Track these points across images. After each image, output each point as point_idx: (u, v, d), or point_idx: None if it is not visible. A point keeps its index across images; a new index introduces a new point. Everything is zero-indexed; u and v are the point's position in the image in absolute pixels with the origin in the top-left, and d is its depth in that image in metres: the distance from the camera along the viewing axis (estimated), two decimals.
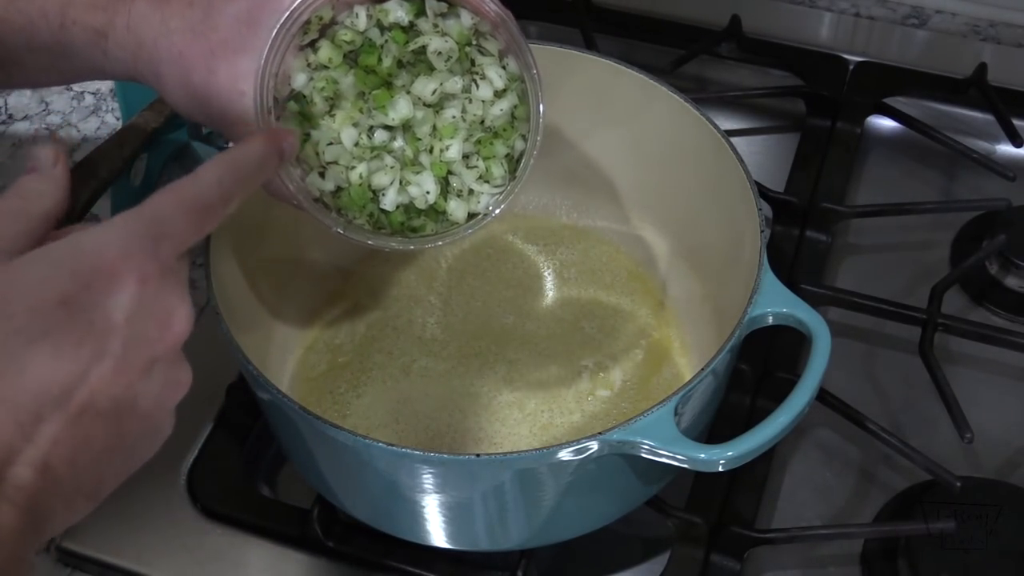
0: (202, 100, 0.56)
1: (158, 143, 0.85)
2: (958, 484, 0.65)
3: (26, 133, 0.91)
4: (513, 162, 0.61)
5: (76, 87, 0.94)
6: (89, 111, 0.93)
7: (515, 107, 0.60)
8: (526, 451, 0.55)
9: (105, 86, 0.94)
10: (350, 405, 0.70)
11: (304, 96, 0.58)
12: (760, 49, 0.93)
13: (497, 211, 0.61)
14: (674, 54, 0.90)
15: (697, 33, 0.94)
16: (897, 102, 0.89)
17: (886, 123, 0.90)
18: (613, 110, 0.73)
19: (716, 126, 0.66)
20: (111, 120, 0.92)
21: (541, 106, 0.59)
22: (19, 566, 0.39)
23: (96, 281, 0.41)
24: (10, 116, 0.93)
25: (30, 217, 0.48)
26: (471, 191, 0.60)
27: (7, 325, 0.39)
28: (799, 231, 0.81)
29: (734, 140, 0.66)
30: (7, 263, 0.42)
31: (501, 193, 0.61)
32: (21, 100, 0.94)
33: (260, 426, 0.71)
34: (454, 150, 0.59)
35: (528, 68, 0.58)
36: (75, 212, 0.79)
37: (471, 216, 0.61)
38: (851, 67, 0.92)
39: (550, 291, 0.76)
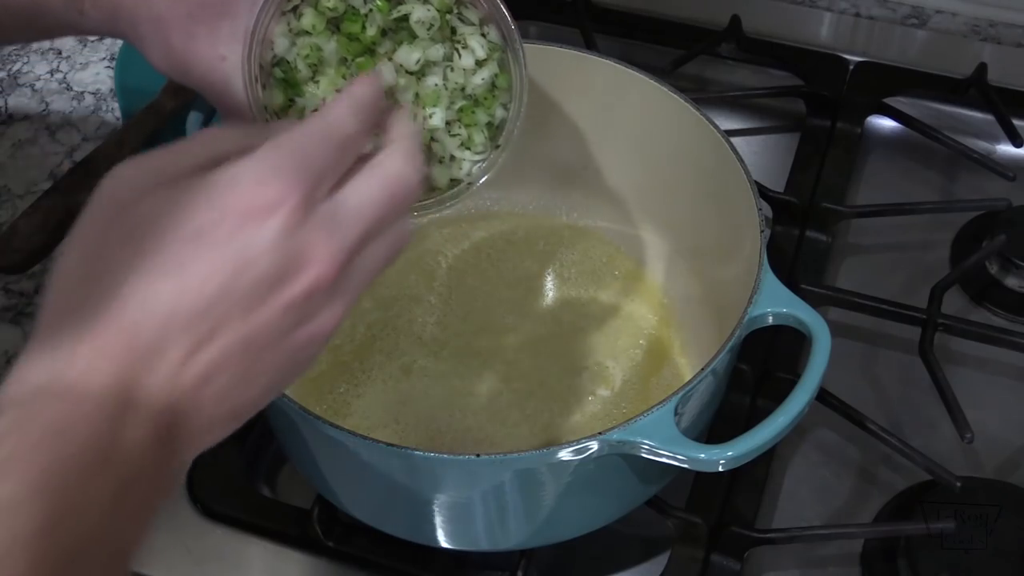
0: (182, 64, 0.55)
1: (158, 143, 0.85)
2: (958, 484, 0.65)
3: (26, 133, 0.91)
4: (494, 129, 0.60)
5: (76, 87, 0.95)
6: (89, 111, 0.93)
7: (496, 76, 0.59)
8: (526, 451, 0.55)
9: (105, 86, 0.94)
10: (350, 405, 0.70)
11: (288, 62, 0.57)
12: (760, 49, 0.93)
13: (482, 180, 0.60)
14: (674, 54, 0.90)
15: (697, 33, 0.93)
16: (897, 102, 0.89)
17: (886, 123, 0.89)
18: (613, 110, 0.73)
19: (716, 126, 0.66)
20: (111, 120, 0.92)
21: (524, 74, 0.58)
22: (153, 485, 0.40)
23: (234, 211, 0.41)
24: (10, 116, 0.93)
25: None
26: (452, 157, 0.60)
27: (154, 245, 0.41)
28: (799, 231, 0.81)
29: (734, 140, 0.66)
30: (189, 179, 0.42)
31: (483, 160, 0.60)
32: (21, 100, 0.94)
33: (260, 426, 0.71)
34: (437, 118, 0.58)
35: (510, 36, 0.58)
36: (76, 212, 0.79)
37: (453, 183, 0.61)
38: (851, 67, 0.92)
39: (550, 291, 0.76)
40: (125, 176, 0.44)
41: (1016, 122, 0.85)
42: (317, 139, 0.44)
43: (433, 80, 0.58)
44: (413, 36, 0.58)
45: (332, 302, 0.44)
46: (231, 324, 0.41)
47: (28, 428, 0.38)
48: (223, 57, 0.55)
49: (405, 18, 0.57)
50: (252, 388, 0.43)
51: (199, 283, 0.41)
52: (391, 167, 0.46)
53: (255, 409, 0.44)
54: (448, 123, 0.59)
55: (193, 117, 0.64)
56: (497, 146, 0.60)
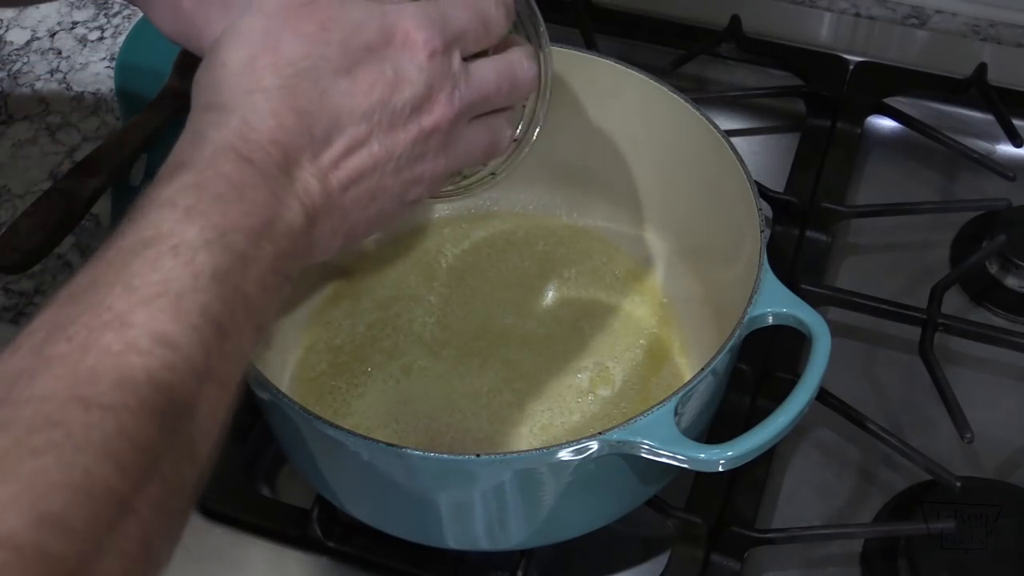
0: (192, 28, 0.55)
1: (158, 143, 0.85)
2: (958, 484, 0.65)
3: (26, 133, 0.91)
4: (518, 121, 0.61)
5: (76, 87, 0.95)
6: (89, 111, 0.93)
7: None
8: (526, 451, 0.55)
9: (105, 86, 0.94)
10: (350, 405, 0.70)
11: None
12: (760, 49, 0.93)
13: (504, 174, 0.62)
14: (674, 54, 0.90)
15: (697, 33, 0.93)
16: (897, 102, 0.89)
17: (886, 123, 0.89)
18: (613, 110, 0.73)
19: (716, 126, 0.66)
20: (111, 120, 0.92)
21: (551, 71, 0.59)
22: (291, 269, 0.44)
23: (396, 39, 0.48)
24: (10, 116, 0.93)
25: None
26: None
27: (322, 51, 0.46)
28: (799, 231, 0.81)
29: (734, 140, 0.66)
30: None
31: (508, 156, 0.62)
32: (21, 100, 0.94)
33: (260, 426, 0.71)
34: None
35: (538, 33, 0.58)
36: (76, 212, 0.79)
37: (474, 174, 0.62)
38: (851, 67, 0.92)
39: (550, 291, 0.76)
40: None
41: (1016, 122, 0.85)
42: (469, 10, 0.51)
43: None
44: None
45: (441, 152, 0.50)
46: (380, 135, 0.47)
47: (213, 181, 0.42)
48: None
49: None
50: (370, 209, 0.49)
51: (367, 88, 0.47)
52: (515, 58, 0.54)
53: (359, 236, 0.50)
54: None
55: None
56: (516, 140, 0.61)
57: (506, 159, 0.62)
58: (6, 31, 1.00)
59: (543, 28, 0.59)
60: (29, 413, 0.33)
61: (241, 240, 0.41)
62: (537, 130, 0.62)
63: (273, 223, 0.43)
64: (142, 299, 0.38)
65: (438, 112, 0.49)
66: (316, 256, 0.48)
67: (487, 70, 0.52)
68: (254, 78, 0.46)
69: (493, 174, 0.62)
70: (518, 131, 0.61)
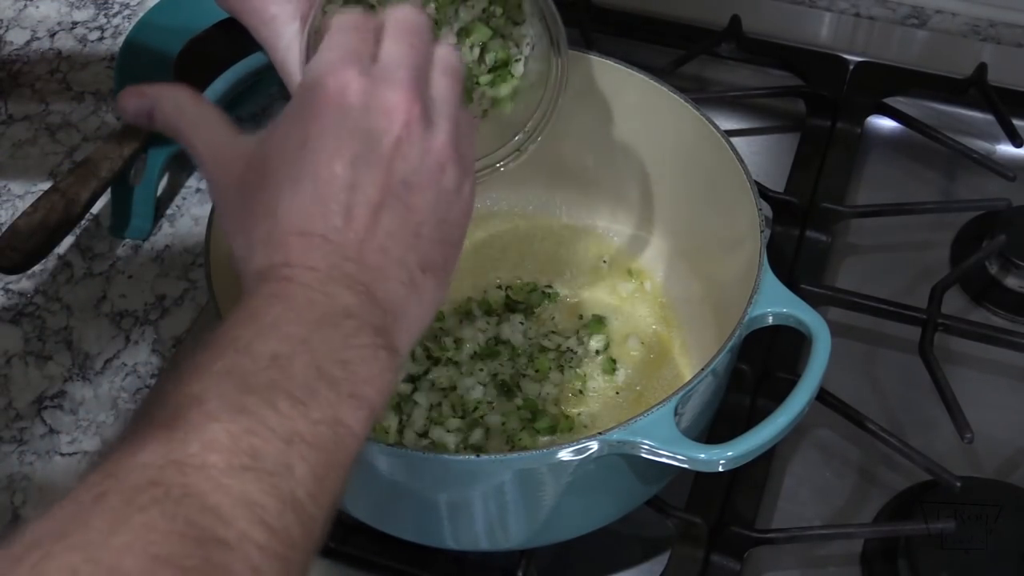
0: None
1: (158, 143, 0.85)
2: (958, 484, 0.65)
3: (26, 133, 0.91)
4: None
5: (76, 87, 0.95)
6: (89, 111, 0.93)
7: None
8: (526, 451, 0.55)
9: (105, 86, 0.94)
10: None
11: None
12: (760, 49, 0.93)
13: (532, 148, 0.63)
14: (674, 54, 0.90)
15: (697, 33, 0.94)
16: (897, 102, 0.89)
17: (886, 123, 0.89)
18: (613, 110, 0.73)
19: (716, 126, 0.66)
20: (111, 120, 0.92)
21: (565, 71, 0.61)
22: (374, 340, 0.45)
23: (322, 110, 0.48)
24: (10, 116, 0.93)
25: None
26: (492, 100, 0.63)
27: (280, 172, 0.48)
28: (799, 231, 0.81)
29: (734, 140, 0.66)
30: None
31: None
32: (21, 100, 0.94)
33: None
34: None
35: (558, 35, 0.60)
36: (75, 212, 0.79)
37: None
38: (851, 67, 0.92)
39: (550, 291, 0.76)
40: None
41: (1016, 122, 0.85)
42: (340, 34, 0.51)
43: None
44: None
45: (434, 127, 0.49)
46: (366, 176, 0.47)
47: (283, 299, 0.45)
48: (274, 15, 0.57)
49: None
50: (421, 231, 0.48)
51: (328, 169, 0.47)
52: (397, 14, 0.52)
53: (441, 264, 0.50)
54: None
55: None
56: (520, 136, 0.62)
57: (513, 153, 0.62)
58: (6, 31, 1.00)
59: (562, 31, 0.60)
60: (135, 478, 0.37)
61: (317, 337, 0.44)
62: (548, 125, 0.62)
63: (339, 319, 0.45)
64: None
65: (398, 112, 0.48)
66: (421, 311, 0.49)
67: (390, 46, 0.51)
68: (254, 209, 0.49)
69: (519, 151, 0.62)
70: (528, 124, 0.62)
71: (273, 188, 0.48)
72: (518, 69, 0.62)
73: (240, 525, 0.37)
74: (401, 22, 0.52)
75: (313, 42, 0.57)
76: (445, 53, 0.53)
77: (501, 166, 0.63)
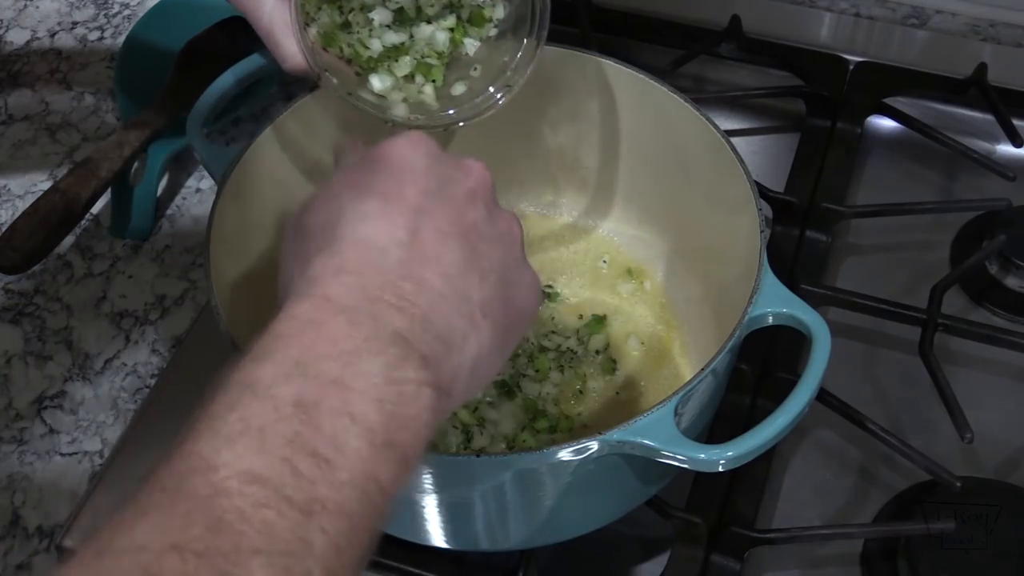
0: None
1: (158, 143, 0.85)
2: (958, 484, 0.65)
3: (26, 133, 0.91)
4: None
5: (76, 87, 0.95)
6: (89, 111, 0.93)
7: None
8: (526, 451, 0.55)
9: (105, 86, 0.94)
10: None
11: None
12: (760, 49, 0.93)
13: (521, 83, 0.63)
14: (674, 54, 0.90)
15: (697, 33, 0.94)
16: (897, 102, 0.89)
17: (886, 123, 0.90)
18: (613, 110, 0.73)
19: (716, 126, 0.66)
20: (111, 120, 0.92)
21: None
22: (416, 405, 0.40)
23: (395, 163, 0.48)
24: (10, 116, 0.93)
25: None
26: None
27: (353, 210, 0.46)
28: (799, 231, 0.81)
29: (734, 140, 0.66)
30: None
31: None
32: (21, 100, 0.94)
33: None
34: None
35: None
36: (76, 212, 0.79)
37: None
38: (851, 67, 0.92)
39: (550, 291, 0.76)
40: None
41: (1016, 122, 0.85)
42: None
43: None
44: None
45: (499, 208, 0.50)
46: (437, 208, 0.45)
47: (318, 325, 0.41)
48: None
49: None
50: (488, 278, 0.46)
51: (398, 191, 0.46)
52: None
53: (508, 319, 0.47)
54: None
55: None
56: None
57: (520, 64, 0.62)
58: (6, 31, 1.00)
59: None
60: (127, 564, 0.33)
61: (361, 370, 0.40)
62: (534, 61, 0.62)
63: (384, 346, 0.41)
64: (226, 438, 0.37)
65: (474, 169, 0.49)
66: (478, 356, 0.45)
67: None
68: (316, 246, 0.46)
69: (508, 87, 0.63)
70: (514, 62, 0.63)
71: (336, 204, 0.45)
72: (498, 11, 0.63)
73: None
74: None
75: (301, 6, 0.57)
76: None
77: (500, 97, 0.63)
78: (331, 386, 0.38)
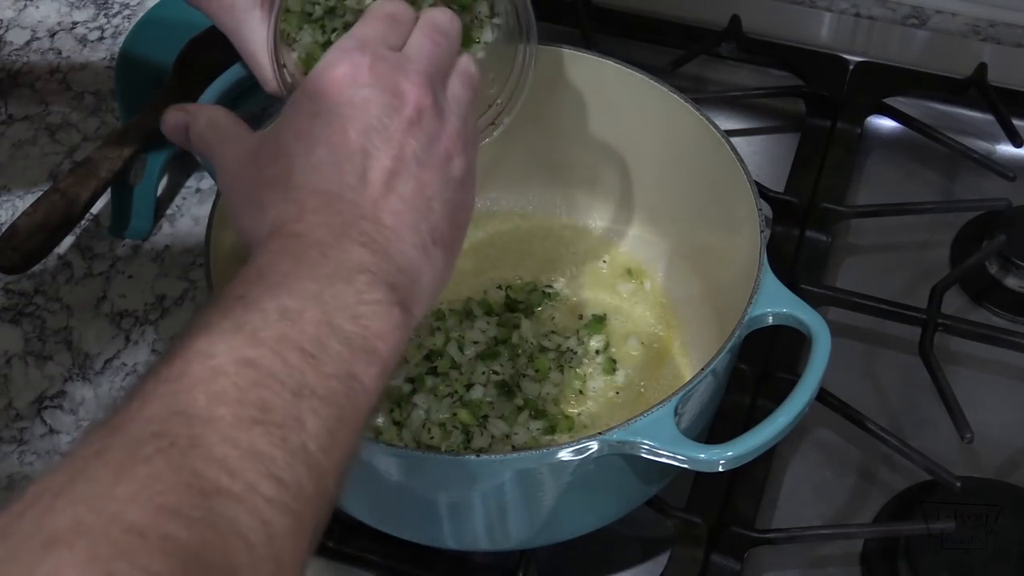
0: None
1: (158, 143, 0.85)
2: (958, 484, 0.65)
3: (26, 133, 0.91)
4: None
5: (76, 87, 0.95)
6: (89, 111, 0.93)
7: None
8: (526, 451, 0.55)
9: (105, 86, 0.94)
10: None
11: None
12: (760, 49, 0.93)
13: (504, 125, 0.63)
14: (674, 54, 0.90)
15: (697, 33, 0.94)
16: (897, 102, 0.89)
17: (886, 123, 0.90)
18: (613, 110, 0.73)
19: (716, 126, 0.66)
20: (111, 120, 0.92)
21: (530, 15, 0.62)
22: (387, 311, 0.45)
23: (336, 91, 0.50)
24: (10, 116, 0.93)
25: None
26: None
27: (299, 143, 0.49)
28: (799, 231, 0.81)
29: (734, 140, 0.66)
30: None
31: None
32: (21, 100, 0.94)
33: None
34: None
35: None
36: (76, 212, 0.79)
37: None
38: (851, 67, 0.92)
39: (550, 291, 0.76)
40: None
41: (1016, 122, 0.85)
42: (367, 22, 0.53)
43: None
44: None
45: (444, 119, 0.51)
46: (379, 146, 0.49)
47: (294, 255, 0.45)
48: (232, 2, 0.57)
49: None
50: (433, 206, 0.50)
51: (341, 136, 0.48)
52: (433, 13, 0.55)
53: (450, 239, 0.51)
54: None
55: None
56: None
57: (488, 127, 0.62)
58: (6, 31, 1.00)
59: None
60: (137, 429, 0.36)
61: (328, 293, 0.44)
62: (522, 95, 0.63)
63: (355, 274, 0.45)
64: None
65: (410, 97, 0.50)
66: (432, 281, 0.49)
67: (416, 41, 0.53)
68: (271, 177, 0.50)
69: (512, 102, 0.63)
70: (501, 97, 0.63)
71: (285, 158, 0.49)
72: (487, 35, 0.62)
73: (247, 477, 0.36)
74: (434, 21, 0.54)
75: (279, 29, 0.57)
76: (467, 62, 0.55)
77: (497, 124, 0.63)
78: (312, 300, 0.42)
